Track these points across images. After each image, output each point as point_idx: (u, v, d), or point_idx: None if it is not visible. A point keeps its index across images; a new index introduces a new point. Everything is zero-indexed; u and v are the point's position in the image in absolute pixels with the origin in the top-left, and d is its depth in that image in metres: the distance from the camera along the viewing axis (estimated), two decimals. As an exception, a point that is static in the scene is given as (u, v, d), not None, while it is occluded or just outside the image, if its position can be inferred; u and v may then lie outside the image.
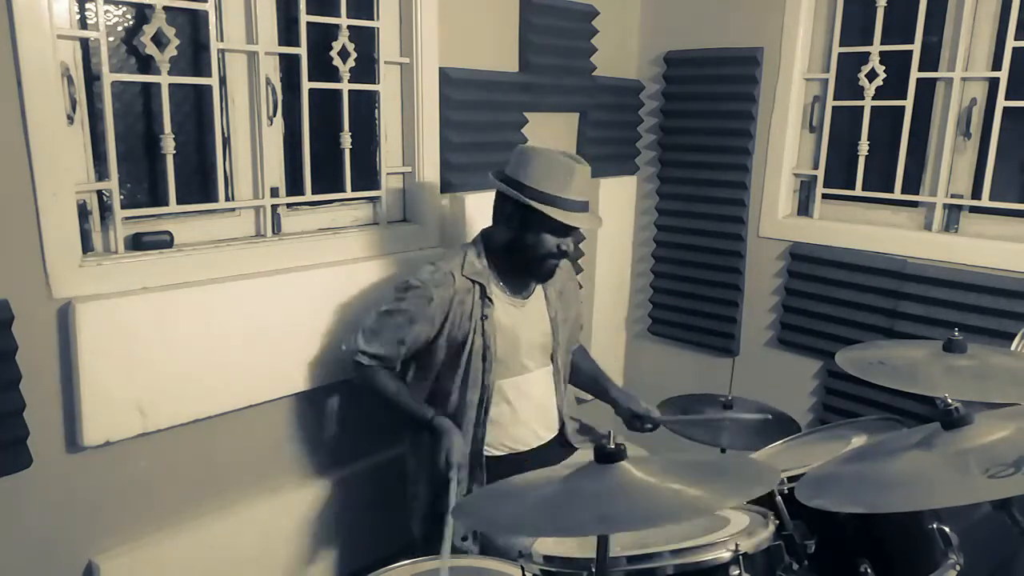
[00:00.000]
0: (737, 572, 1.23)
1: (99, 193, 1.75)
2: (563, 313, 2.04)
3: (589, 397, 2.71)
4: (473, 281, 1.88)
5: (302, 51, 2.01)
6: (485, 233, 1.96)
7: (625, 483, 1.10)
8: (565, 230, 1.83)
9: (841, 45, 2.57)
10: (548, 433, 2.02)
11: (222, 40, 1.89)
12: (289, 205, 2.10)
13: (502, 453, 1.94)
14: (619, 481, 1.10)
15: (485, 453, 1.91)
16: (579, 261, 2.87)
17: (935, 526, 1.32)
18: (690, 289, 2.99)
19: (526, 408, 1.96)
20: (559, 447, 2.03)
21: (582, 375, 2.23)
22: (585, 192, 1.84)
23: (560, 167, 1.80)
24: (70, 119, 1.67)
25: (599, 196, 2.87)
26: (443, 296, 1.84)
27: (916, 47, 2.41)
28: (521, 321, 1.94)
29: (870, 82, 2.51)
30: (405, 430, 2.01)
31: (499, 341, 1.89)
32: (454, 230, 2.34)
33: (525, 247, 1.85)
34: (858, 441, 1.72)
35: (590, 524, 1.03)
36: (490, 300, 1.89)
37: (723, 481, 1.14)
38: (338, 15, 2.07)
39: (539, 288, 2.00)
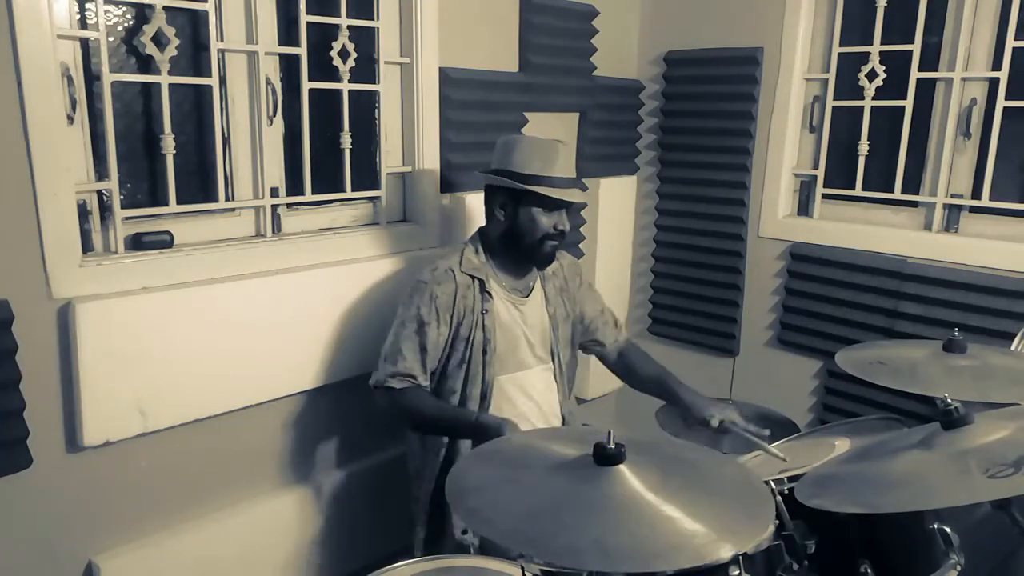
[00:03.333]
0: (737, 572, 1.23)
1: (99, 193, 1.75)
2: (563, 310, 2.05)
3: (590, 396, 2.71)
4: (472, 277, 1.89)
5: (302, 51, 2.01)
6: (482, 230, 1.98)
7: (622, 496, 1.10)
8: (557, 205, 1.86)
9: (841, 45, 2.57)
10: None
11: (222, 40, 1.89)
12: (289, 205, 2.10)
13: None
14: (616, 492, 1.10)
15: None
16: (580, 261, 2.86)
17: (935, 526, 1.31)
18: (690, 289, 2.99)
19: (527, 405, 1.96)
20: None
21: (642, 377, 2.13)
22: (571, 170, 1.89)
23: (543, 148, 1.86)
24: (70, 119, 1.67)
25: (599, 196, 2.87)
26: (446, 292, 1.85)
27: (916, 47, 2.41)
28: (520, 318, 1.95)
29: (870, 82, 2.51)
30: (408, 431, 2.01)
31: (499, 336, 1.90)
32: (454, 230, 2.34)
33: (521, 232, 1.87)
34: (841, 444, 1.72)
35: (585, 555, 1.03)
36: (489, 294, 1.90)
37: (721, 506, 1.14)
38: (338, 15, 2.07)
39: (538, 285, 2.01)
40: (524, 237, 1.87)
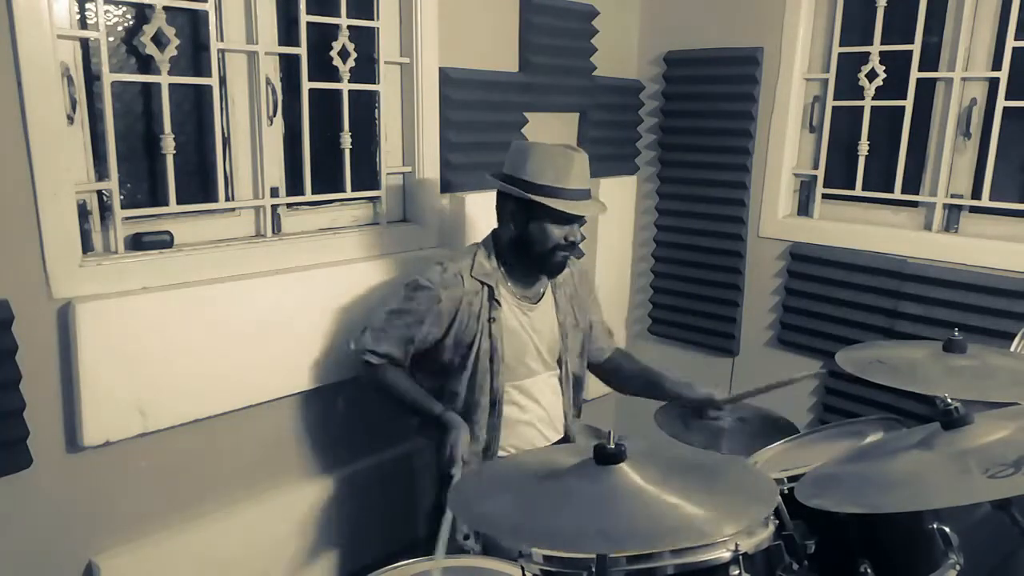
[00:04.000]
0: (737, 572, 1.24)
1: (99, 193, 1.75)
2: (573, 318, 2.03)
3: (590, 397, 2.70)
4: (482, 283, 1.88)
5: (302, 51, 2.01)
6: (495, 233, 1.97)
7: (624, 489, 1.10)
8: (569, 219, 1.84)
9: (841, 45, 2.57)
10: (554, 435, 2.02)
11: (222, 40, 1.89)
12: (289, 205, 2.10)
13: (507, 454, 1.94)
14: (618, 486, 1.10)
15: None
16: (579, 261, 2.86)
17: (935, 526, 1.32)
18: (690, 289, 2.98)
19: (533, 411, 1.96)
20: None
21: (630, 377, 2.18)
22: (585, 180, 1.85)
23: (557, 158, 1.82)
24: (70, 119, 1.67)
25: (599, 196, 2.86)
26: (452, 297, 1.85)
27: (916, 47, 2.41)
28: (529, 325, 1.94)
29: (870, 82, 2.51)
30: (412, 429, 2.01)
31: (506, 344, 1.89)
32: (454, 230, 2.34)
33: (532, 242, 1.85)
34: (862, 439, 1.72)
35: (588, 540, 1.03)
36: (498, 302, 1.89)
37: (723, 494, 1.14)
38: (338, 15, 2.07)
39: (549, 293, 2.00)
40: (534, 247, 1.86)
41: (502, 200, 1.90)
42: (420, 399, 1.88)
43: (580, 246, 2.80)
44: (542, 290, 1.99)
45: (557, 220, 1.82)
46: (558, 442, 2.03)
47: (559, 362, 2.02)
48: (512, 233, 1.88)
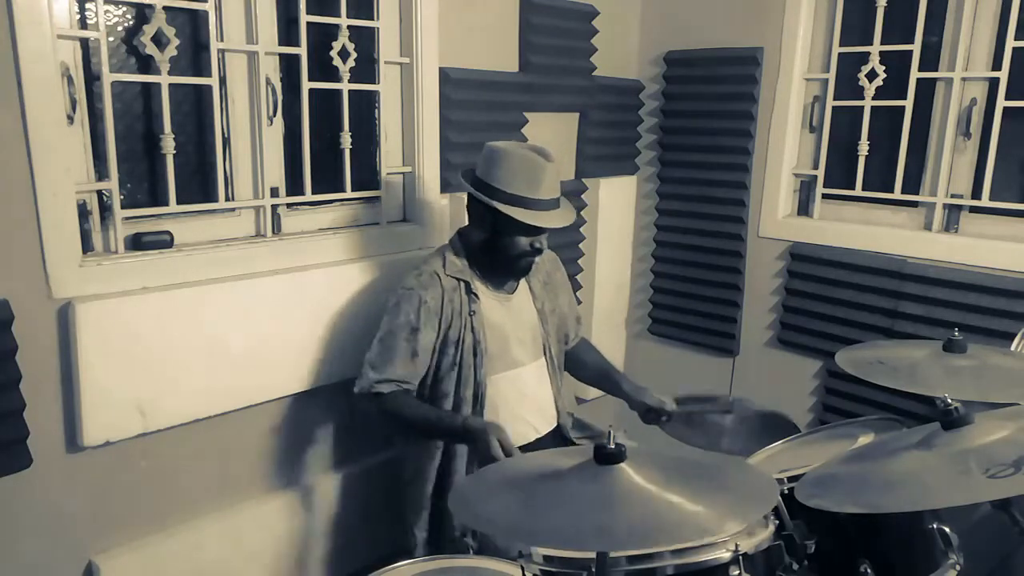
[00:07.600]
0: (737, 572, 1.24)
1: (99, 193, 1.75)
2: (550, 304, 2.05)
3: (589, 396, 2.71)
4: (458, 279, 1.89)
5: (302, 51, 2.01)
6: (461, 232, 1.97)
7: (624, 489, 1.10)
8: (537, 230, 1.84)
9: (841, 45, 2.57)
10: (546, 426, 2.02)
11: (222, 40, 1.89)
12: (289, 205, 2.10)
13: None
14: (618, 486, 1.10)
15: None
16: (579, 261, 2.87)
17: (935, 526, 1.32)
18: (690, 289, 2.98)
19: (522, 402, 1.96)
20: (558, 442, 2.03)
21: (590, 370, 2.21)
22: (555, 189, 1.85)
23: (528, 167, 1.80)
24: (70, 119, 1.67)
25: (599, 196, 2.87)
26: (434, 296, 1.85)
27: (916, 47, 2.41)
28: (508, 315, 1.95)
29: (870, 82, 2.51)
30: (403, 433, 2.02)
31: (489, 336, 1.90)
32: (454, 230, 2.33)
33: (499, 247, 1.87)
34: (865, 439, 1.72)
35: (588, 538, 1.03)
36: (476, 295, 1.90)
37: (723, 492, 1.14)
38: (338, 15, 2.07)
39: (523, 282, 2.01)
40: (501, 252, 1.87)
41: (472, 202, 1.90)
42: (439, 417, 1.85)
43: (580, 246, 2.84)
44: (516, 281, 1.99)
45: (525, 230, 1.83)
46: (551, 432, 2.03)
47: (544, 350, 2.02)
48: (482, 236, 1.89)
